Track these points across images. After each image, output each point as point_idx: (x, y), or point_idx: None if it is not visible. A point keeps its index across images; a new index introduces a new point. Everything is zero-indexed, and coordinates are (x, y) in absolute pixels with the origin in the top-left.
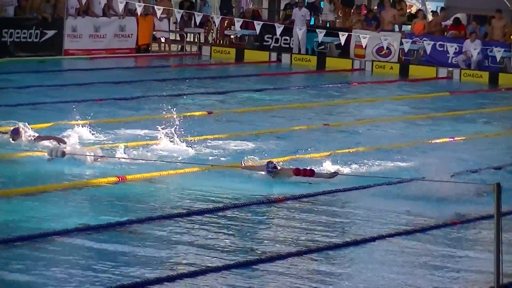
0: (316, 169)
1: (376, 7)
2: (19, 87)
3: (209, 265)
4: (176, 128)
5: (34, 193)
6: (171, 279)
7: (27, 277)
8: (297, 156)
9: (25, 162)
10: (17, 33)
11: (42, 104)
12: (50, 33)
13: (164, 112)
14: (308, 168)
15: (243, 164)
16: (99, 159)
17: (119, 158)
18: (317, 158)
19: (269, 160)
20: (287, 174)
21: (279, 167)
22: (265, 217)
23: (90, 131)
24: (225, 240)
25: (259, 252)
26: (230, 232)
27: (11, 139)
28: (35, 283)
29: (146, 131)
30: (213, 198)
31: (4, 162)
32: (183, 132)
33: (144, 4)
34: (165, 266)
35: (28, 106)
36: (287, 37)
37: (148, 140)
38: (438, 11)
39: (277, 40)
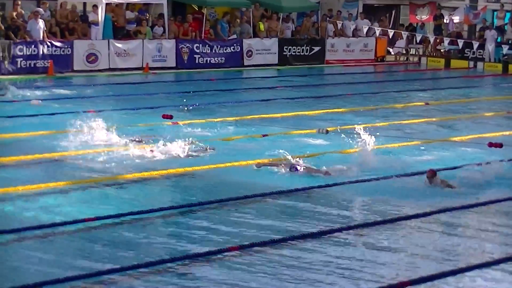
0: (312, 167)
1: None
2: (296, 86)
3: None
4: (402, 113)
5: None
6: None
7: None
8: (484, 134)
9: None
10: (293, 49)
11: (307, 98)
12: (316, 48)
13: (393, 103)
14: (499, 142)
15: (266, 162)
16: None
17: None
18: (497, 136)
19: (292, 164)
20: (313, 172)
21: (300, 169)
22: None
23: (344, 116)
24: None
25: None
26: None
27: None
28: None
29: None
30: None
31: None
32: (408, 117)
33: (381, 28)
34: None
35: (301, 99)
36: (481, 50)
37: (395, 120)
38: None
39: (474, 53)
